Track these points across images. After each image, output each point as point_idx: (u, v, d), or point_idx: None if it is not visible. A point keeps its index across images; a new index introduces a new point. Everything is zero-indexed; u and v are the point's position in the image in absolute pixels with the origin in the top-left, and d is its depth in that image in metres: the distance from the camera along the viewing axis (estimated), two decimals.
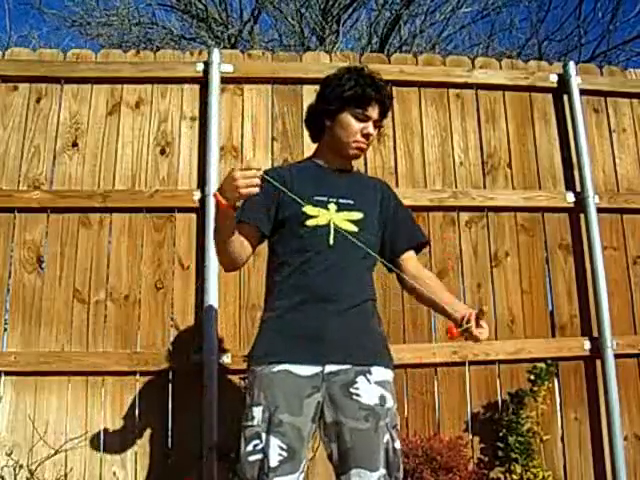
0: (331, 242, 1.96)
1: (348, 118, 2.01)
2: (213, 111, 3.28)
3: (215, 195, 1.80)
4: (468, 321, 1.87)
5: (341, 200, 2.02)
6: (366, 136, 2.02)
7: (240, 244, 1.96)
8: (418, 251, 2.20)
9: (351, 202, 2.03)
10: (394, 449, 1.88)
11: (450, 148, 3.48)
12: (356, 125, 2.01)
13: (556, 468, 3.09)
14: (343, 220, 1.99)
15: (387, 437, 1.87)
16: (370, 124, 2.02)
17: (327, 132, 2.08)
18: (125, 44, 8.47)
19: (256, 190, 1.76)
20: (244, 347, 2.97)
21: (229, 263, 2.01)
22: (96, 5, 8.98)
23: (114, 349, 3.03)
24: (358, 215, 2.02)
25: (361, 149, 2.05)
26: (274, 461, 1.79)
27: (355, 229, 1.99)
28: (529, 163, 3.52)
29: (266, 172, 2.00)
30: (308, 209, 1.97)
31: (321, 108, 2.07)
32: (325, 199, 2.00)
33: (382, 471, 1.83)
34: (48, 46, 7.45)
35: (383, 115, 2.05)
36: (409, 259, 2.14)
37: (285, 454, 1.80)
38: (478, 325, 1.86)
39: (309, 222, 1.97)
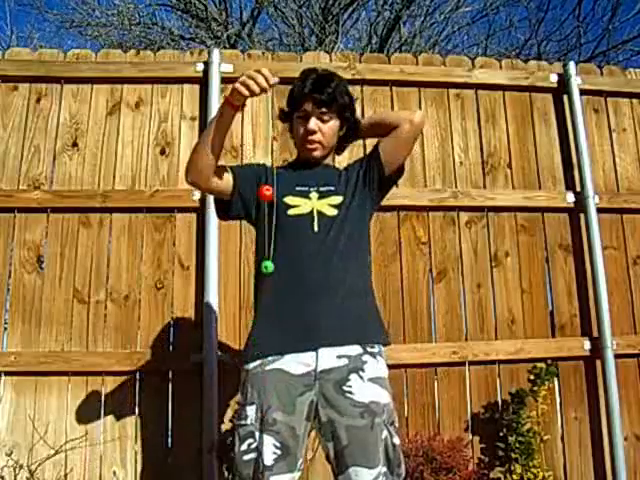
0: (315, 229, 1.98)
1: (295, 123, 2.09)
2: (213, 111, 3.26)
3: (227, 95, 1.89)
4: None
5: (322, 188, 2.05)
6: (309, 132, 2.04)
7: (218, 155, 2.00)
8: None
9: (332, 188, 2.07)
10: (393, 445, 1.87)
11: (450, 148, 3.49)
12: (300, 126, 2.07)
13: (556, 468, 3.09)
14: (325, 205, 2.02)
15: (385, 433, 1.86)
16: (312, 120, 2.03)
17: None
18: (125, 44, 8.47)
19: (257, 89, 1.85)
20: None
21: (197, 166, 2.01)
22: (96, 5, 8.99)
23: (114, 349, 3.02)
24: (338, 199, 2.04)
25: (311, 149, 2.07)
26: (269, 460, 1.80)
27: (335, 212, 2.02)
28: (529, 163, 3.52)
29: (254, 163, 2.23)
30: (289, 199, 2.01)
31: (286, 119, 2.16)
32: (306, 189, 2.04)
33: (382, 469, 1.83)
34: (48, 46, 7.45)
35: (326, 105, 2.03)
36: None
37: (279, 452, 1.81)
38: None
39: (290, 212, 2.00)
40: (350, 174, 2.13)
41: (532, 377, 3.02)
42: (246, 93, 1.85)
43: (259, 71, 1.83)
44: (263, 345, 1.92)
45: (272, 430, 1.81)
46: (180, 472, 2.90)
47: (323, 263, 1.95)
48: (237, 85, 1.85)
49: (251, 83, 1.83)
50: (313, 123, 2.03)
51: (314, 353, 1.88)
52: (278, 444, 1.81)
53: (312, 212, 2.00)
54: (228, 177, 2.05)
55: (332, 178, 2.10)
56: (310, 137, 2.05)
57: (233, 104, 1.91)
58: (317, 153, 2.08)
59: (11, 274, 3.10)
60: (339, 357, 1.89)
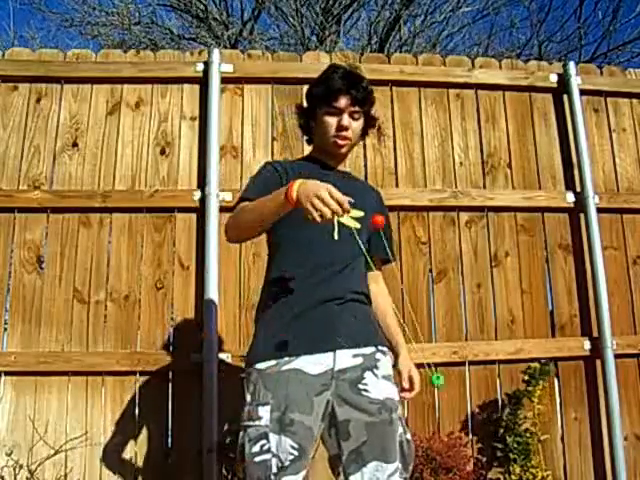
0: (335, 237, 1.97)
1: (322, 115, 2.04)
2: (213, 111, 3.28)
3: (292, 188, 1.69)
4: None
5: None
6: (342, 128, 2.02)
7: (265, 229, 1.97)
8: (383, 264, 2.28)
9: (352, 201, 2.04)
10: (407, 441, 1.89)
11: (450, 148, 3.48)
12: (330, 120, 2.03)
13: (556, 468, 3.09)
14: (346, 216, 2.00)
15: (401, 429, 1.88)
16: (345, 116, 2.01)
17: (314, 133, 2.12)
18: (125, 44, 8.47)
19: (320, 217, 1.66)
20: (244, 347, 2.97)
21: (247, 232, 1.99)
22: (97, 4, 8.99)
23: (114, 349, 3.02)
24: (359, 213, 2.03)
25: (341, 145, 2.05)
26: (286, 461, 1.78)
27: (358, 226, 2.01)
28: (529, 163, 3.52)
29: (270, 162, 2.13)
30: None
31: (305, 111, 2.13)
32: None
33: (397, 464, 1.84)
34: (49, 46, 7.45)
35: (360, 103, 2.03)
36: (375, 272, 2.19)
37: (296, 453, 1.79)
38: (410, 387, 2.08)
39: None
40: (370, 196, 2.17)
41: (527, 377, 3.02)
42: (318, 220, 1.65)
43: (337, 198, 1.64)
44: (279, 345, 1.90)
45: (290, 431, 1.79)
46: (180, 472, 2.90)
47: (338, 270, 1.95)
48: (309, 206, 1.64)
49: (325, 211, 1.63)
50: (347, 119, 2.01)
51: (332, 354, 1.88)
52: (295, 445, 1.79)
53: (332, 219, 1.99)
54: None
55: (351, 189, 2.04)
56: (343, 133, 2.02)
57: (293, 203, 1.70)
58: (344, 150, 2.08)
59: (11, 274, 3.10)
60: (355, 356, 1.90)
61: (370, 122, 2.14)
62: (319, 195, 1.65)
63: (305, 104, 2.14)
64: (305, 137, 2.20)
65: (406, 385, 2.06)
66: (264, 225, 1.92)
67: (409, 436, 1.91)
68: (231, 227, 1.98)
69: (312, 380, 1.85)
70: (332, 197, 1.65)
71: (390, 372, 1.96)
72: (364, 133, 2.16)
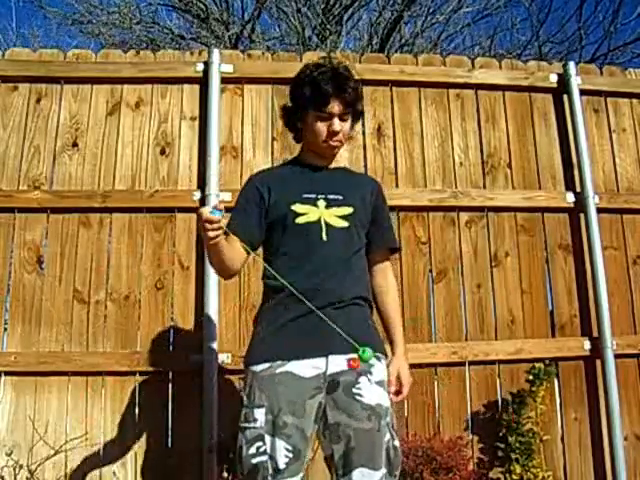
0: (324, 238, 1.97)
1: (312, 120, 2.01)
2: (213, 111, 3.28)
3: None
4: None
5: (330, 196, 2.03)
6: (334, 134, 2.00)
7: (231, 252, 1.96)
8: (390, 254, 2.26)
9: (340, 197, 2.04)
10: (394, 447, 1.88)
11: (450, 148, 3.48)
12: (321, 126, 2.00)
13: (556, 468, 3.09)
14: (333, 216, 2.00)
15: (388, 436, 1.87)
16: (335, 120, 1.99)
17: (302, 134, 2.10)
18: (126, 43, 8.47)
19: (217, 239, 1.83)
20: (244, 347, 2.94)
21: (223, 271, 2.06)
22: (98, 4, 9.00)
23: (114, 349, 3.03)
24: (348, 210, 2.03)
25: (334, 147, 2.05)
26: (281, 463, 1.79)
27: (345, 224, 2.01)
28: (529, 163, 3.51)
29: (253, 177, 2.12)
30: (297, 207, 1.99)
31: (290, 111, 2.10)
32: (314, 196, 2.01)
33: (384, 471, 1.84)
34: (49, 46, 7.46)
35: (350, 105, 2.00)
36: (380, 261, 2.19)
37: (291, 455, 1.81)
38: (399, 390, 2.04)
39: (299, 220, 1.98)
40: (364, 189, 2.13)
41: (531, 377, 3.02)
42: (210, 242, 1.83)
43: (202, 217, 1.78)
44: (272, 348, 1.92)
45: (283, 434, 1.81)
46: (180, 472, 2.90)
47: (332, 273, 1.95)
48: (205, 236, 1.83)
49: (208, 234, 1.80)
50: (338, 124, 1.99)
51: (324, 358, 1.89)
52: (290, 447, 1.81)
53: (320, 220, 1.98)
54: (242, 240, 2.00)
55: (341, 185, 2.07)
56: (335, 138, 2.01)
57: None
58: (337, 151, 2.08)
59: (11, 274, 3.10)
60: (349, 360, 1.89)
61: (357, 117, 2.11)
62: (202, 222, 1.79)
63: (290, 104, 2.10)
64: (293, 136, 2.18)
65: (391, 388, 2.02)
66: (226, 260, 1.96)
67: (397, 443, 1.90)
68: (215, 271, 2.11)
69: (305, 383, 1.86)
70: (209, 228, 1.79)
71: (383, 378, 1.95)
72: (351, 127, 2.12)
